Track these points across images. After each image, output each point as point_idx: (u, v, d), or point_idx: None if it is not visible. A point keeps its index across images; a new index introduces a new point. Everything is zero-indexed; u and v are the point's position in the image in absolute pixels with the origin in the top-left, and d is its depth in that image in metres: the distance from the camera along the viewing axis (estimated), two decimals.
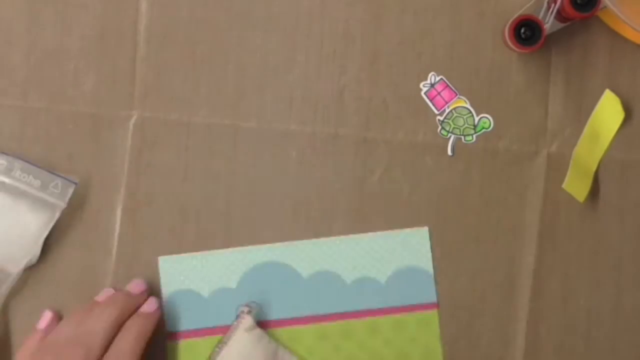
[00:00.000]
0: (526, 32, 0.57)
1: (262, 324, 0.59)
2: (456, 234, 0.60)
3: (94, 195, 0.59)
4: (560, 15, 0.58)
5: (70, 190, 0.58)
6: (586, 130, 0.60)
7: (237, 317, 0.58)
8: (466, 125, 0.60)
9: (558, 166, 0.61)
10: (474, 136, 0.60)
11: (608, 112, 0.60)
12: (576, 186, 0.60)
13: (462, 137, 0.60)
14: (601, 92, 0.60)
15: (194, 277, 0.59)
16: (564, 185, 0.60)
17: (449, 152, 0.60)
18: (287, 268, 0.60)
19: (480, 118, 0.60)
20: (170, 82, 0.60)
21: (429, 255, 0.60)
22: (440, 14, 0.60)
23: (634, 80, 0.61)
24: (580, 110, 0.61)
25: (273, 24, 0.60)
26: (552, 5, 0.57)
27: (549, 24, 0.57)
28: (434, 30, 0.60)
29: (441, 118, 0.60)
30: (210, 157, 0.60)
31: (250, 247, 0.60)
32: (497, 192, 0.60)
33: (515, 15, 0.57)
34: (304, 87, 0.60)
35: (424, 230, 0.60)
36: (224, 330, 0.59)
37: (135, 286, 0.58)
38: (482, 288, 0.60)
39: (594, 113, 0.60)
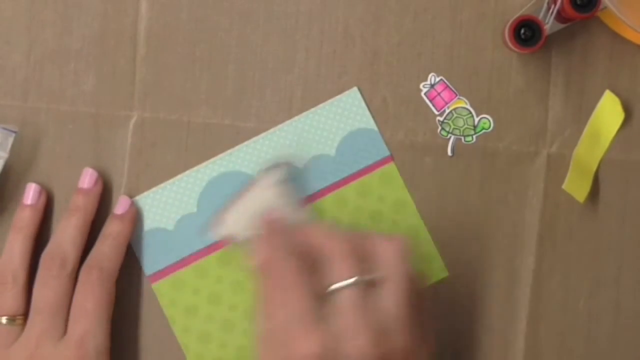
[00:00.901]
0: (526, 32, 0.57)
1: None
2: (456, 234, 0.60)
3: None
4: (560, 16, 0.58)
5: (11, 140, 0.57)
6: (586, 130, 0.60)
7: (266, 170, 0.58)
8: (466, 125, 0.60)
9: (558, 166, 0.61)
10: (474, 137, 0.60)
11: (608, 112, 0.60)
12: (576, 186, 0.60)
13: (462, 137, 0.60)
14: (601, 93, 0.60)
15: (156, 213, 0.59)
16: (564, 186, 0.60)
17: (449, 153, 0.60)
18: (239, 175, 0.59)
19: (480, 119, 0.60)
20: (170, 82, 0.60)
21: (367, 113, 0.59)
22: (440, 14, 0.60)
23: (634, 80, 0.61)
24: (580, 111, 0.61)
25: (273, 24, 0.60)
26: (552, 5, 0.57)
27: (549, 24, 0.57)
28: (433, 31, 0.60)
29: (441, 119, 0.60)
30: (210, 157, 0.60)
31: (200, 167, 0.59)
32: (497, 192, 0.60)
33: (515, 16, 0.57)
34: (304, 87, 0.60)
35: (354, 91, 0.59)
36: (201, 255, 0.58)
37: (86, 178, 0.58)
38: (482, 288, 0.60)
39: (594, 113, 0.60)
